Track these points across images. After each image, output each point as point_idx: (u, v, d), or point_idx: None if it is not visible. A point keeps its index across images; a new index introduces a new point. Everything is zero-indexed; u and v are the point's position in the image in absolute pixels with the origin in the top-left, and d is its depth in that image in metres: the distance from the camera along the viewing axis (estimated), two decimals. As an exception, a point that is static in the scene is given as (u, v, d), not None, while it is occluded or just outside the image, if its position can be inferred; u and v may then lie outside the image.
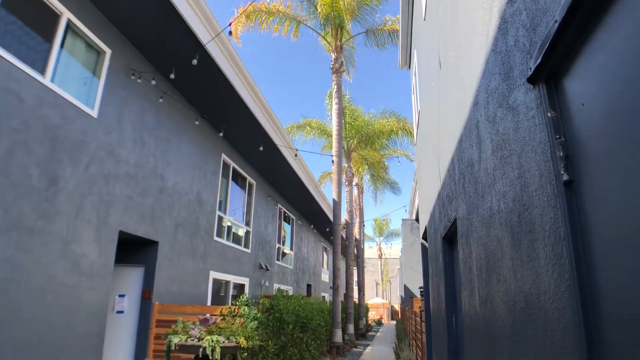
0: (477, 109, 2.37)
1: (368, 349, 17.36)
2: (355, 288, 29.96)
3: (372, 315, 41.24)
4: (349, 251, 18.91)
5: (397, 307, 46.94)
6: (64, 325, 5.65)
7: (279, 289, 9.53)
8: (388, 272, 57.13)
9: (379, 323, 36.78)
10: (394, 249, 54.02)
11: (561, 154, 1.24)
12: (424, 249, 7.32)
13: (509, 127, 1.75)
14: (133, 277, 7.90)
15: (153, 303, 7.71)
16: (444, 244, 4.24)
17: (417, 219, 21.99)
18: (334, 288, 14.32)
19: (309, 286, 20.88)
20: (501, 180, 1.88)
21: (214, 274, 10.22)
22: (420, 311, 8.44)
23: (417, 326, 10.42)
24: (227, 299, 11.12)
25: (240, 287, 12.11)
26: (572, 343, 1.18)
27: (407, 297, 22.74)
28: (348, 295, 17.79)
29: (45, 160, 5.51)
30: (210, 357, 4.17)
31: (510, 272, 1.76)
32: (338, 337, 13.83)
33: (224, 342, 4.30)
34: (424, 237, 7.05)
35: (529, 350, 1.56)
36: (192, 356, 6.73)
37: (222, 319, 4.69)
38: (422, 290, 8.24)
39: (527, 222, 1.54)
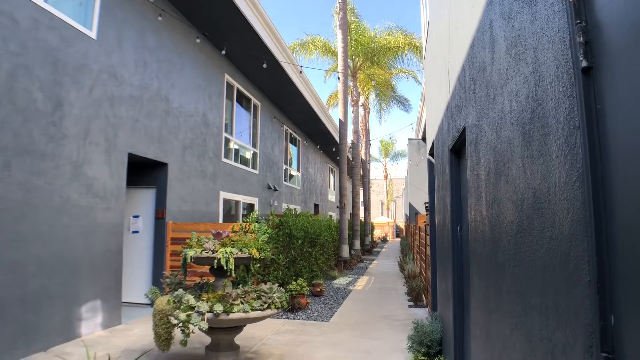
0: (492, 7, 2.25)
1: (374, 263, 18.18)
2: (362, 207, 30.68)
3: (378, 233, 42.63)
4: (355, 171, 19.12)
5: (402, 225, 48.42)
6: (83, 244, 5.91)
7: (287, 208, 9.78)
8: (393, 193, 58.19)
9: (384, 240, 38.14)
10: (399, 170, 54.55)
11: (581, 39, 1.19)
12: (430, 166, 7.37)
13: (525, 21, 1.67)
14: (146, 198, 8.11)
15: (167, 222, 7.98)
16: (450, 156, 4.25)
17: (423, 139, 21.83)
18: (341, 207, 14.68)
19: (316, 206, 21.39)
20: (514, 78, 1.83)
21: (224, 194, 10.46)
22: (425, 225, 8.69)
23: (421, 240, 10.78)
24: (238, 218, 11.46)
25: (250, 207, 12.44)
26: (581, 231, 1.21)
27: (412, 214, 23.31)
28: (354, 213, 18.26)
29: (48, 84, 5.43)
30: (225, 268, 4.38)
31: (520, 171, 1.78)
32: (345, 252, 14.43)
33: (237, 253, 4.49)
34: (431, 153, 7.07)
35: (534, 244, 1.61)
36: (207, 268, 7.09)
37: (234, 234, 4.87)
38: (427, 205, 8.40)
39: (540, 118, 1.53)
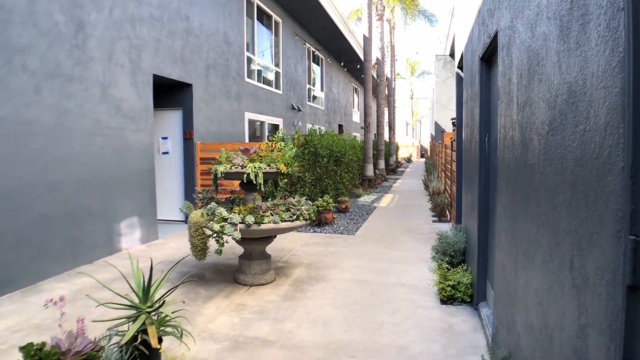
0: None
1: (398, 182, 18.36)
2: (386, 127, 30.35)
3: (402, 153, 42.51)
4: (380, 90, 18.69)
5: (427, 146, 48.06)
6: (117, 164, 6.13)
7: (311, 128, 9.78)
8: (418, 113, 57.07)
9: (408, 160, 38.12)
10: (424, 90, 52.87)
11: None
12: (459, 79, 7.14)
13: None
14: (173, 120, 8.22)
15: (195, 143, 8.14)
16: (480, 65, 4.10)
17: (451, 55, 20.93)
18: (365, 126, 14.58)
19: (340, 126, 21.28)
20: (556, -34, 1.71)
21: (248, 115, 10.49)
22: (452, 142, 8.61)
23: (446, 157, 10.75)
24: (263, 139, 11.57)
25: (274, 128, 12.49)
26: (617, 118, 1.19)
27: (438, 133, 23.01)
28: (379, 133, 18.14)
29: (68, 5, 5.35)
30: (254, 182, 4.53)
31: (555, 67, 1.72)
32: (369, 171, 14.57)
33: (265, 168, 4.61)
34: (459, 66, 6.82)
35: (566, 140, 1.60)
36: (237, 184, 7.32)
37: (261, 151, 4.96)
38: (454, 121, 8.26)
39: (580, 6, 1.44)
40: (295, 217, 4.61)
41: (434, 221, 9.00)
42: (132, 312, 2.93)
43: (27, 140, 4.75)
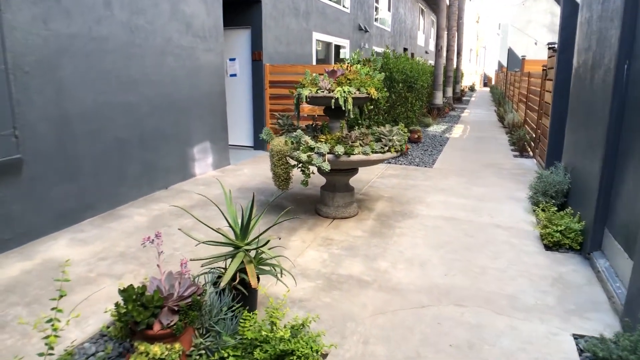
0: None
1: (466, 112, 17.30)
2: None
3: (465, 82, 40.12)
4: (451, 11, 17.09)
5: (491, 74, 45.05)
6: (189, 85, 5.85)
7: (385, 50, 9.01)
8: (483, 38, 52.91)
9: (471, 89, 35.94)
10: (489, 13, 48.40)
11: None
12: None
13: None
14: (241, 39, 7.76)
15: (264, 64, 7.70)
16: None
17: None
18: (437, 50, 13.49)
19: (405, 50, 19.97)
20: None
21: (316, 35, 9.82)
22: (544, 69, 7.65)
23: (530, 87, 9.73)
24: (330, 61, 10.93)
25: (339, 50, 11.74)
26: None
27: (513, 59, 21.14)
28: (449, 57, 16.87)
29: None
30: (343, 108, 4.10)
31: None
32: (438, 99, 13.69)
33: (355, 93, 4.15)
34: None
35: None
36: (316, 110, 6.91)
37: (349, 73, 4.46)
38: (552, 46, 7.27)
39: None
40: (387, 148, 4.20)
41: (514, 156, 8.31)
42: (228, 249, 2.72)
43: (99, 59, 4.50)
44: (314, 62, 9.81)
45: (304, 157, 3.92)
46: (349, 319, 2.80)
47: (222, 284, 2.38)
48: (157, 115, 5.37)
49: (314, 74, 4.40)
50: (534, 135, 8.22)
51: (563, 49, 6.12)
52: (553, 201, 4.73)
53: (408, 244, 4.02)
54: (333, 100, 4.08)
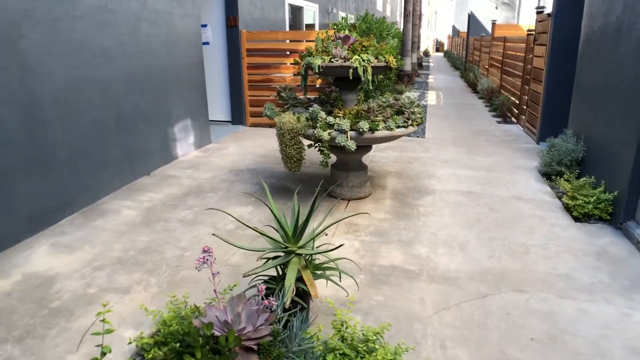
0: None
1: (431, 78, 17.19)
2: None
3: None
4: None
5: (444, 39, 45.53)
6: (166, 56, 5.19)
7: (360, 14, 8.56)
8: (434, 4, 53.01)
9: (426, 54, 36.01)
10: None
11: None
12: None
13: None
14: (212, 3, 7.02)
15: (240, 31, 7.04)
16: None
17: None
18: (405, 14, 13.12)
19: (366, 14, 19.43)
20: None
21: (288, -1, 9.17)
22: (530, 34, 7.48)
23: (507, 52, 9.62)
24: (301, 26, 10.32)
25: (310, 14, 11.12)
26: None
27: (475, 25, 21.11)
28: (413, 23, 16.53)
29: None
30: (363, 78, 3.68)
31: None
32: (408, 65, 13.40)
33: (374, 61, 3.72)
34: None
35: None
36: (319, 81, 6.36)
37: (362, 39, 4.00)
38: (540, 10, 7.09)
39: None
40: (410, 122, 3.84)
41: (498, 122, 8.22)
42: (275, 252, 2.30)
43: (68, 26, 3.78)
44: (287, 28, 9.18)
45: (325, 135, 3.49)
46: (414, 319, 2.50)
47: (288, 302, 1.98)
48: (136, 92, 4.71)
49: (326, 40, 3.91)
50: (517, 102, 8.14)
51: (559, 13, 5.93)
52: (569, 170, 4.59)
53: (437, 224, 3.74)
54: (351, 70, 3.64)
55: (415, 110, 3.89)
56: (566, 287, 2.85)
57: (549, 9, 6.88)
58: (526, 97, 7.38)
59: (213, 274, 1.74)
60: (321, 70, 3.73)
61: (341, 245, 2.28)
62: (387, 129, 3.66)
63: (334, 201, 4.15)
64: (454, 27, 34.00)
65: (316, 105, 3.72)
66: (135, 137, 4.76)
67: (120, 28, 4.41)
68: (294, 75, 7.15)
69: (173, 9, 5.23)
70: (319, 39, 3.91)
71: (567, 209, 4.00)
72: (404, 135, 3.84)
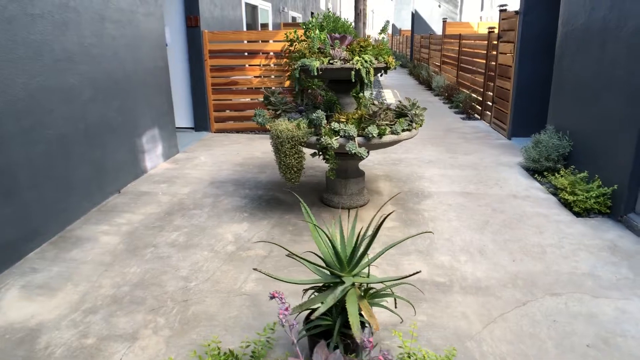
0: None
1: (380, 76, 17.32)
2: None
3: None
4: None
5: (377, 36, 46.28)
6: (132, 60, 4.71)
7: (326, 13, 8.38)
8: (371, 3, 54.04)
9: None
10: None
11: None
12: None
13: None
14: (172, 1, 6.51)
15: (202, 31, 6.59)
16: None
17: None
18: (357, 13, 13.05)
19: (312, 14, 19.29)
20: None
21: (244, -1, 8.78)
22: (495, 32, 7.63)
23: (463, 50, 9.82)
24: (257, 26, 9.95)
25: (263, 14, 10.77)
26: None
27: (420, 24, 21.53)
28: (364, 22, 16.60)
29: None
30: (365, 80, 3.47)
31: None
32: (361, 65, 13.36)
33: (375, 62, 3.53)
34: None
35: None
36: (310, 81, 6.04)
37: (360, 39, 3.79)
38: (504, 7, 7.23)
39: None
40: (413, 124, 3.68)
41: (462, 119, 8.34)
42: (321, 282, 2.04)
43: (26, 26, 3.26)
44: (244, 28, 8.80)
45: (334, 143, 3.25)
46: (465, 338, 2.33)
47: (355, 333, 1.73)
48: (101, 100, 4.21)
49: (323, 41, 3.66)
50: (479, 99, 8.29)
51: (527, 12, 6.05)
52: (555, 165, 4.66)
53: (448, 229, 3.62)
54: (353, 72, 3.42)
55: (418, 112, 3.74)
56: (595, 285, 2.81)
57: (510, 7, 7.05)
58: (491, 94, 7.52)
59: (290, 326, 1.44)
60: (320, 72, 3.48)
61: (418, 272, 2.04)
62: (394, 133, 3.48)
63: (334, 211, 3.92)
64: (394, 26, 34.73)
65: (320, 110, 3.46)
66: (103, 151, 4.26)
67: (83, 29, 3.90)
68: (262, 77, 6.83)
69: (137, 7, 4.75)
70: (315, 37, 3.64)
71: (566, 204, 4.02)
72: (407, 139, 3.68)
